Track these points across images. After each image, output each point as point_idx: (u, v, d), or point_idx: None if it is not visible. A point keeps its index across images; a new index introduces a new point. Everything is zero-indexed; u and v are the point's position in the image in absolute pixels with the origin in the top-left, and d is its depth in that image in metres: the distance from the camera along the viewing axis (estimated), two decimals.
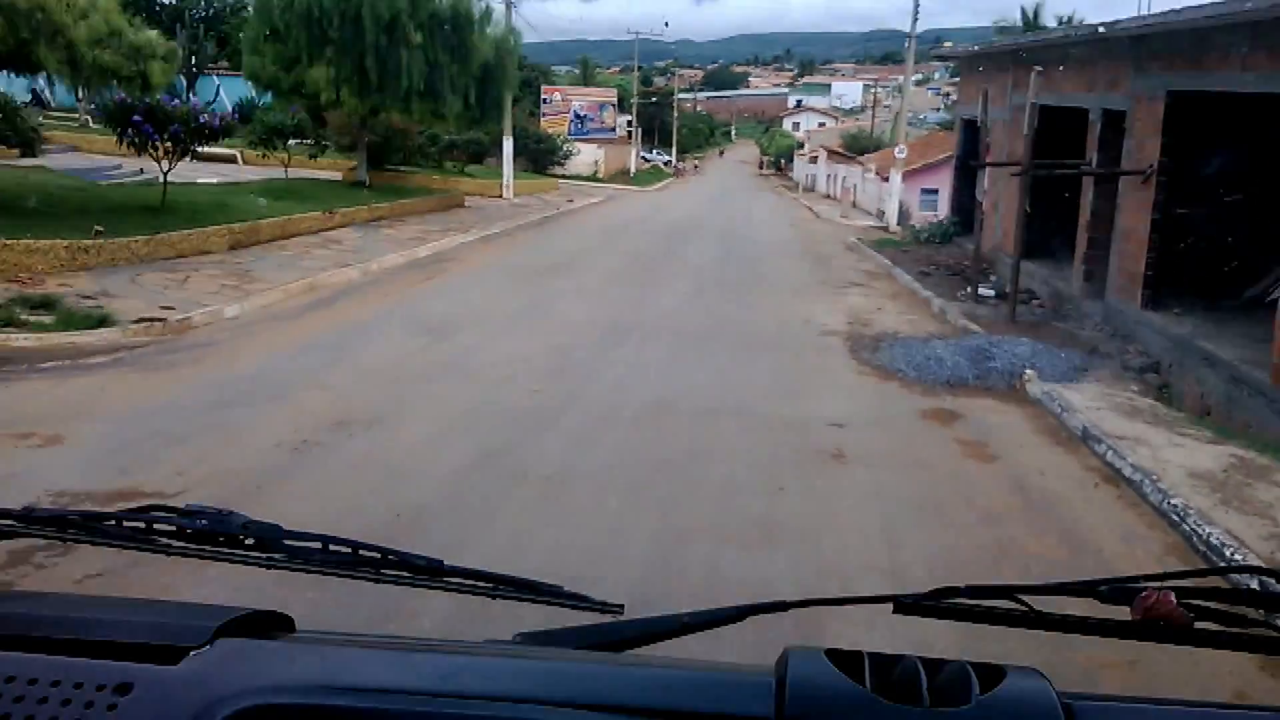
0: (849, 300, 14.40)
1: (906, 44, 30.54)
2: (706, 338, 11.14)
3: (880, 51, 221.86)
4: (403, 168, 31.27)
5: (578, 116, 54.96)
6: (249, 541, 1.23)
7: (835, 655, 0.94)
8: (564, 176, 47.97)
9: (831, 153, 51.81)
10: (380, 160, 29.09)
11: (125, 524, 1.26)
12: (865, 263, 19.80)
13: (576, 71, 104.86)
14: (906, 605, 1.10)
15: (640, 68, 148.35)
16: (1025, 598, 1.10)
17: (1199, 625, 1.06)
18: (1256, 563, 3.49)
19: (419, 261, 17.29)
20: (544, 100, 54.58)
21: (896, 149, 31.22)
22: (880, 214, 33.50)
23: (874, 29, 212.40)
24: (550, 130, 52.31)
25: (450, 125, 24.46)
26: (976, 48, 19.15)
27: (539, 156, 47.92)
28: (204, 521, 1.24)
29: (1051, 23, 61.09)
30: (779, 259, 19.99)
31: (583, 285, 15.08)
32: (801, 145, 73.53)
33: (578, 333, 11.22)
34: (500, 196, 31.04)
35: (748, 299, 14.20)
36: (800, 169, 65.62)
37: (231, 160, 31.70)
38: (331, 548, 1.23)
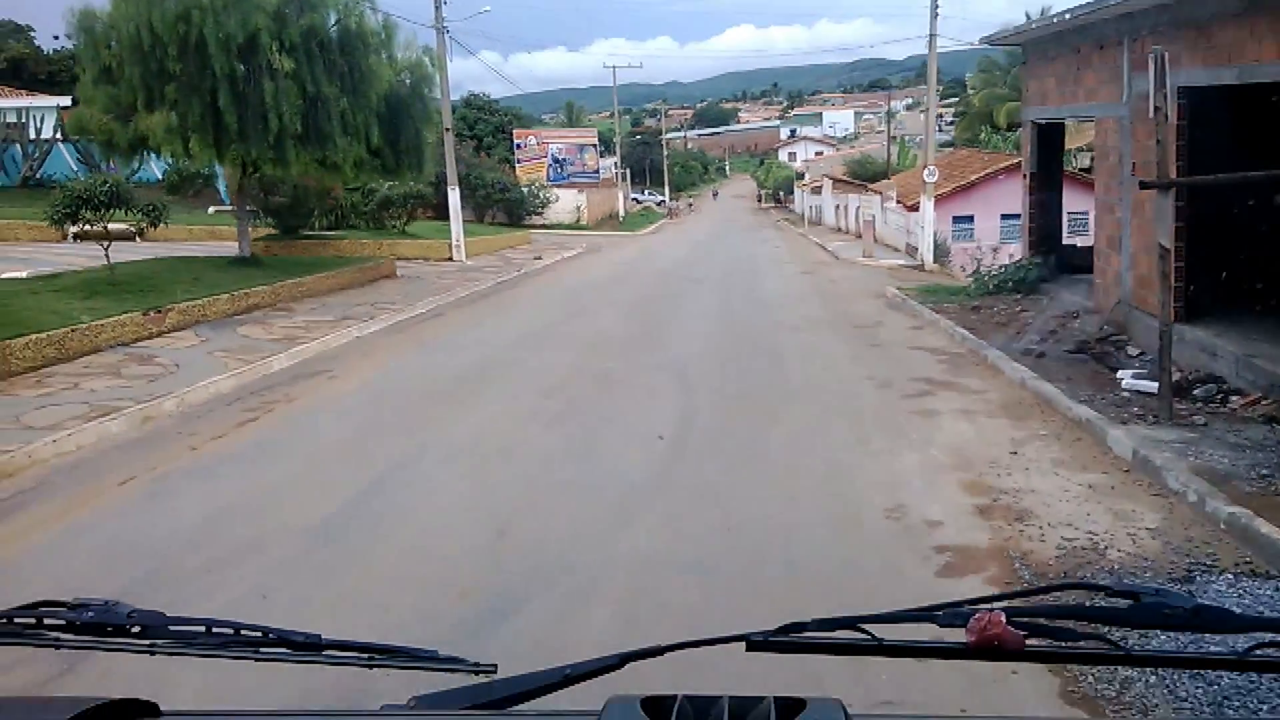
0: (946, 430, 7.99)
1: (928, 43, 24.41)
2: (695, 610, 4.78)
3: (866, 80, 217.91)
4: (328, 232, 25.23)
5: (556, 160, 49.09)
6: (135, 630, 1.25)
7: (653, 702, 1.03)
8: (542, 227, 42.02)
9: (837, 181, 45.73)
10: (295, 225, 23.13)
11: (16, 620, 1.27)
12: (928, 332, 13.45)
13: (563, 118, 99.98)
14: (758, 643, 1.14)
15: (629, 110, 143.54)
16: (869, 627, 1.14)
17: (1030, 643, 1.10)
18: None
19: (264, 381, 11.06)
20: (517, 145, 48.71)
21: (925, 170, 25.03)
22: (912, 250, 27.25)
23: (858, 58, 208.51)
24: (526, 177, 46.49)
25: (347, 176, 18.30)
26: (1069, 14, 13.07)
27: (512, 207, 42.03)
28: (90, 613, 1.25)
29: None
30: (804, 334, 13.63)
31: (488, 426, 8.77)
32: (801, 175, 67.53)
33: (405, 615, 4.91)
34: (449, 259, 24.91)
35: (768, 446, 7.78)
36: (802, 200, 59.57)
37: (128, 237, 25.74)
38: (215, 630, 1.25)
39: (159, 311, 13.07)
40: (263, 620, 1.27)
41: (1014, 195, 32.47)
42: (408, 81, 18.50)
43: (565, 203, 43.85)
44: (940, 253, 25.89)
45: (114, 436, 8.79)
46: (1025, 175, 16.63)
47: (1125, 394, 8.80)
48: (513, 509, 6.35)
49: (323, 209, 24.79)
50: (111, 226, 25.41)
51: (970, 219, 30.43)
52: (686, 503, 6.38)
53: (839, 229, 42.11)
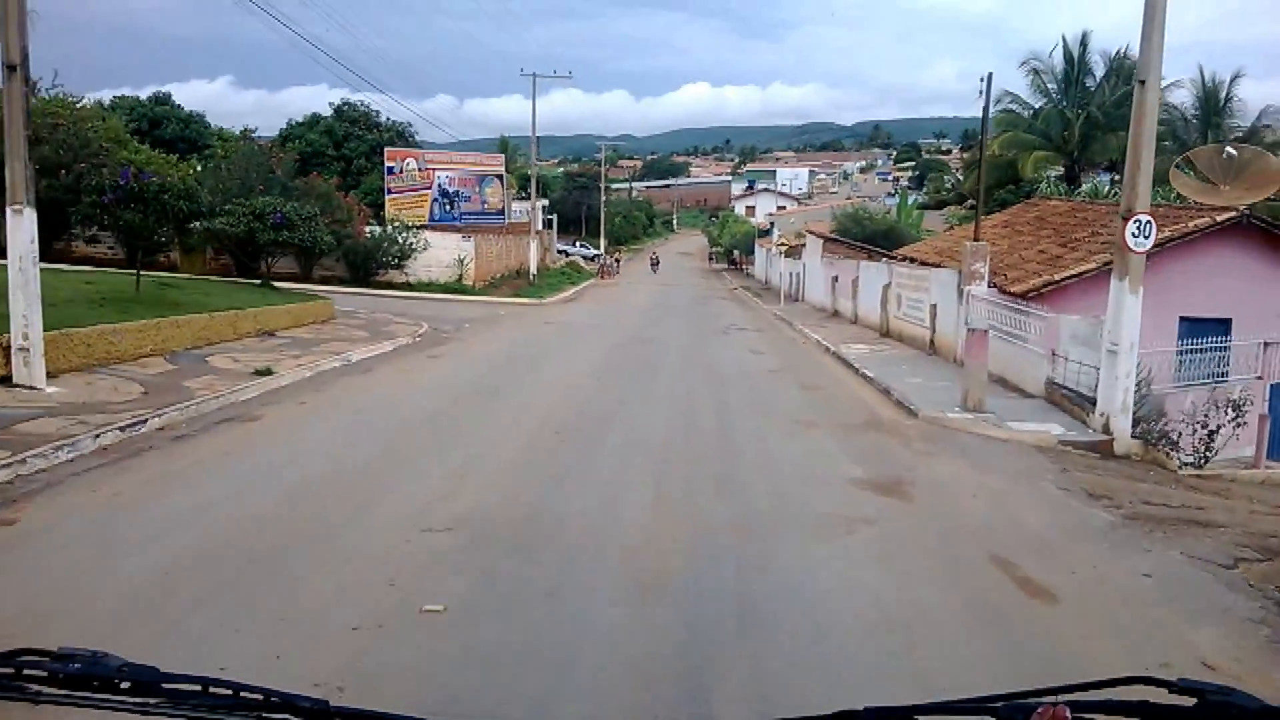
0: None
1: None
2: None
3: (818, 142, 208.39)
4: None
5: (444, 194, 34.29)
6: (125, 685, 1.11)
7: None
8: (404, 287, 27.13)
9: (830, 240, 31.41)
10: None
11: None
12: None
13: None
14: None
15: (578, 159, 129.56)
16: (924, 718, 1.09)
17: None
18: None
19: None
20: (389, 169, 33.75)
21: (1129, 226, 10.64)
22: (1063, 394, 12.58)
23: (808, 122, 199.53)
24: (400, 213, 31.60)
25: None
26: None
27: (358, 257, 27.08)
28: (77, 665, 1.11)
29: (1098, 61, 42.13)
30: None
31: None
32: (767, 231, 53.69)
33: None
34: (3, 377, 9.76)
35: None
36: (768, 264, 45.36)
37: None
38: (212, 690, 1.12)
39: None
40: None
41: (1208, 280, 18.13)
42: None
43: (442, 252, 28.92)
44: (1147, 406, 11.40)
45: None
46: None
47: None
48: None
49: None
50: None
51: (1097, 321, 16.06)
52: None
53: (834, 312, 27.80)
